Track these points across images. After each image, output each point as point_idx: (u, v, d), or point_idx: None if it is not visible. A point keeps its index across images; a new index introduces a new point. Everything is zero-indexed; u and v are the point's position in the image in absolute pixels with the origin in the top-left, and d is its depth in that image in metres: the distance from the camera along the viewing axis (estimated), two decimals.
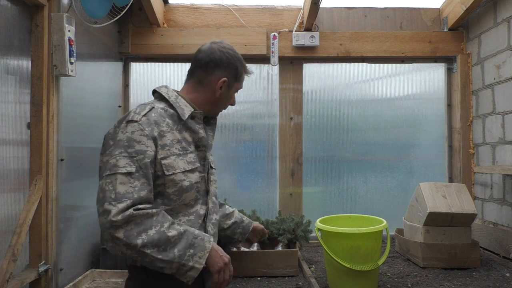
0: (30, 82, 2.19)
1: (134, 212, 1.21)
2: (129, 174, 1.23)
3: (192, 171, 1.37)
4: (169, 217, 1.29)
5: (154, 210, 1.25)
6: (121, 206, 1.20)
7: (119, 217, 1.19)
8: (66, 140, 2.47)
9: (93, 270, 2.63)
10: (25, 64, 2.17)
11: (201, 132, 1.45)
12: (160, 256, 1.22)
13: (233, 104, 1.63)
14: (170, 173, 1.31)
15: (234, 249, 2.75)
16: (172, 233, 1.24)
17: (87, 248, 2.79)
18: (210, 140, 1.53)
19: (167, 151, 1.32)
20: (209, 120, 1.57)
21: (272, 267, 2.68)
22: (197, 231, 1.32)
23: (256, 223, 2.34)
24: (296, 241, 2.84)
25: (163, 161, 1.30)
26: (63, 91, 2.41)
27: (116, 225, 1.19)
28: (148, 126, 1.30)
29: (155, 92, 1.50)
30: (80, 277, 2.47)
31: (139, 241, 1.20)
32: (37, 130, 2.19)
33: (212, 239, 1.34)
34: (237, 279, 2.63)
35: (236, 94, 1.65)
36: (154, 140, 1.30)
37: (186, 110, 1.42)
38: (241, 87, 1.63)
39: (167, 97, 1.43)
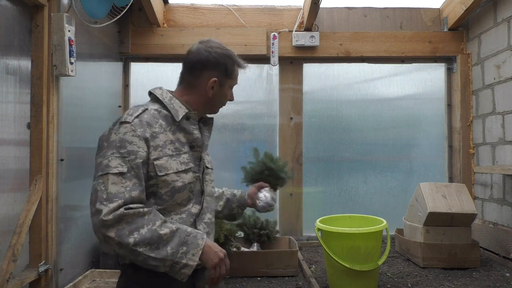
0: (30, 82, 2.19)
1: (125, 211, 1.22)
2: (120, 174, 1.25)
3: (185, 171, 1.38)
4: (161, 215, 1.30)
5: (145, 209, 1.26)
6: (112, 205, 1.21)
7: (110, 217, 1.20)
8: (66, 140, 2.47)
9: (93, 270, 2.62)
10: (25, 64, 2.17)
11: (196, 133, 1.45)
12: (152, 255, 1.23)
13: (231, 99, 1.59)
14: (162, 174, 1.32)
15: (234, 249, 2.75)
16: (164, 231, 1.26)
17: (87, 248, 2.79)
18: (206, 141, 1.53)
19: (160, 152, 1.33)
20: (207, 120, 1.57)
21: (272, 267, 2.68)
22: (189, 229, 1.33)
23: (249, 190, 1.95)
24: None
25: (155, 162, 1.31)
26: (63, 91, 2.41)
27: (107, 224, 1.21)
28: (141, 127, 1.31)
29: (150, 94, 1.50)
30: (80, 277, 2.47)
31: (131, 240, 1.21)
32: (37, 130, 2.19)
33: (205, 236, 1.35)
34: (237, 279, 2.63)
35: (235, 91, 1.61)
36: (146, 141, 1.31)
37: (180, 111, 1.42)
38: (236, 83, 1.57)
39: (161, 99, 1.43)
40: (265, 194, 1.76)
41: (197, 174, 1.43)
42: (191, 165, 1.40)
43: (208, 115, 1.57)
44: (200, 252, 1.29)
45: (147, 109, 1.38)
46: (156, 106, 1.42)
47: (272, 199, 1.77)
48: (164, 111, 1.41)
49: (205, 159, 1.52)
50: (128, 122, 1.31)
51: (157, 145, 1.33)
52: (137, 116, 1.33)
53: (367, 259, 2.30)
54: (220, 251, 1.36)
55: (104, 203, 1.22)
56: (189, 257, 1.27)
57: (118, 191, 1.23)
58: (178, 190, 1.35)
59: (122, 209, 1.22)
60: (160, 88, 1.49)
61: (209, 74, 1.46)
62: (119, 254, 1.30)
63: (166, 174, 1.32)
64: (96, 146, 1.39)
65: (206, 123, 1.56)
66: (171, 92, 1.49)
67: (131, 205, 1.24)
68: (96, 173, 1.29)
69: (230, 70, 1.49)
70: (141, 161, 1.28)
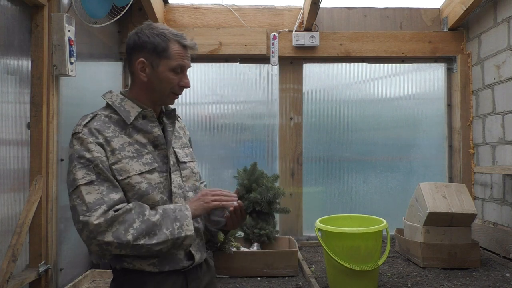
0: (30, 82, 2.19)
1: (115, 213, 1.21)
2: (91, 182, 1.23)
3: (149, 172, 1.33)
4: (144, 205, 1.29)
5: (130, 205, 1.25)
6: (97, 213, 1.19)
7: (102, 220, 1.19)
8: (66, 140, 2.45)
9: (93, 270, 2.63)
10: (25, 64, 2.17)
11: (156, 131, 1.38)
12: (154, 241, 1.24)
13: (185, 85, 1.43)
14: (123, 177, 1.28)
15: (234, 249, 2.75)
16: (155, 217, 1.26)
17: (87, 248, 2.79)
18: (169, 137, 1.44)
19: (118, 156, 1.29)
20: (170, 113, 1.48)
21: (272, 267, 2.68)
22: (172, 206, 1.33)
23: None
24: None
25: (113, 167, 1.28)
26: (63, 91, 2.41)
27: (102, 230, 1.19)
28: (91, 136, 1.28)
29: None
30: (80, 277, 2.47)
31: (129, 237, 1.21)
32: (37, 130, 2.19)
33: (187, 205, 1.35)
34: (237, 279, 2.63)
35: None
36: (102, 146, 1.28)
37: (133, 112, 1.36)
38: (178, 63, 1.38)
39: (111, 103, 1.38)
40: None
41: (164, 174, 1.37)
42: (156, 165, 1.35)
43: (170, 107, 1.48)
44: (191, 219, 1.31)
45: (96, 115, 1.34)
46: (107, 112, 1.37)
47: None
48: (115, 116, 1.36)
49: (178, 154, 1.45)
50: (78, 133, 1.29)
51: (113, 149, 1.29)
52: (85, 125, 1.30)
53: (367, 259, 2.30)
54: (198, 199, 1.38)
55: (87, 214, 1.19)
56: (185, 229, 1.29)
57: (96, 199, 1.21)
58: (145, 192, 1.30)
59: (111, 212, 1.20)
60: (110, 91, 1.43)
61: (136, 57, 1.37)
62: (113, 257, 1.29)
63: (128, 177, 1.28)
64: None
65: (169, 116, 1.48)
66: (124, 92, 1.43)
67: (117, 207, 1.23)
68: (68, 192, 1.26)
69: (161, 48, 1.36)
70: (103, 165, 1.25)
